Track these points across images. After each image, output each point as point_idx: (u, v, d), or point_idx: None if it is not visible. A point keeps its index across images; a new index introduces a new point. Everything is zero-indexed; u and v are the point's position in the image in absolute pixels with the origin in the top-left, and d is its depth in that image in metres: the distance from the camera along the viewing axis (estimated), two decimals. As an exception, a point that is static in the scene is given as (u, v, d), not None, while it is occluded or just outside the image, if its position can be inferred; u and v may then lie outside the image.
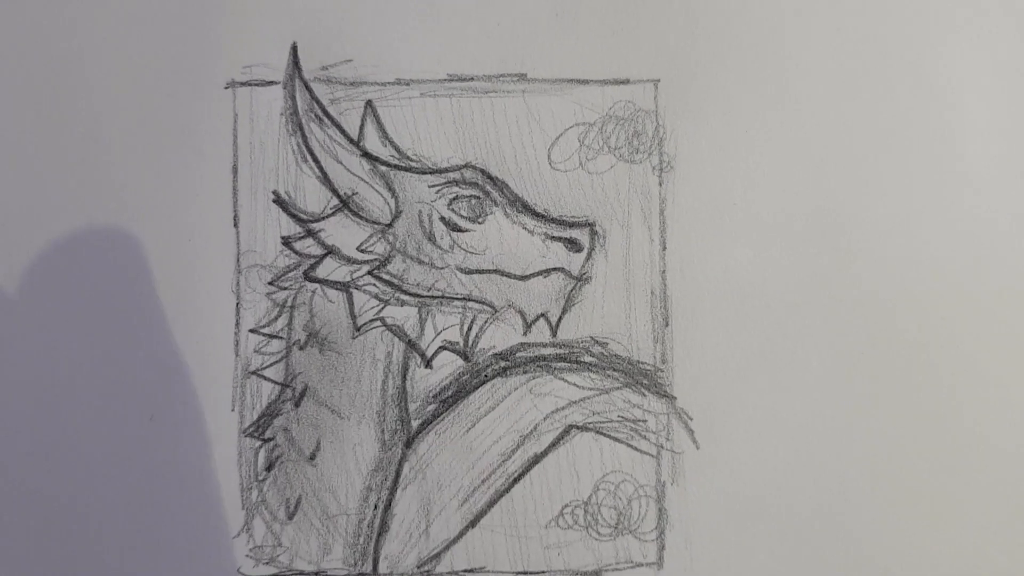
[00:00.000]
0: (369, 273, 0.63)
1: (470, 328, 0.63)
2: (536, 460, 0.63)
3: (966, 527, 0.62)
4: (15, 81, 0.63)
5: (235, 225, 0.63)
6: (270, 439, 0.63)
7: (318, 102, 0.63)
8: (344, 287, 0.63)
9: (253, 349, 0.63)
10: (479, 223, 0.64)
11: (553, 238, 0.63)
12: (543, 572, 0.63)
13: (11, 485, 0.62)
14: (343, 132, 0.63)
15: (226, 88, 0.63)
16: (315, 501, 0.63)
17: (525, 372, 0.63)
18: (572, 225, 0.64)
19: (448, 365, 0.63)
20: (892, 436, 0.63)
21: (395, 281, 0.63)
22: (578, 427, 0.63)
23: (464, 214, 0.64)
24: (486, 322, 0.63)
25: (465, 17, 0.64)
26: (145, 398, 0.62)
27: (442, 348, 0.63)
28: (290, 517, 0.63)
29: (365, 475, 0.63)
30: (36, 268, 0.63)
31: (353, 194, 0.63)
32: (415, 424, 0.63)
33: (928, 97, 0.63)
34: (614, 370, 0.63)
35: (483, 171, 0.64)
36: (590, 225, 0.64)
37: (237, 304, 0.63)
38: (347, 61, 0.64)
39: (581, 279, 0.64)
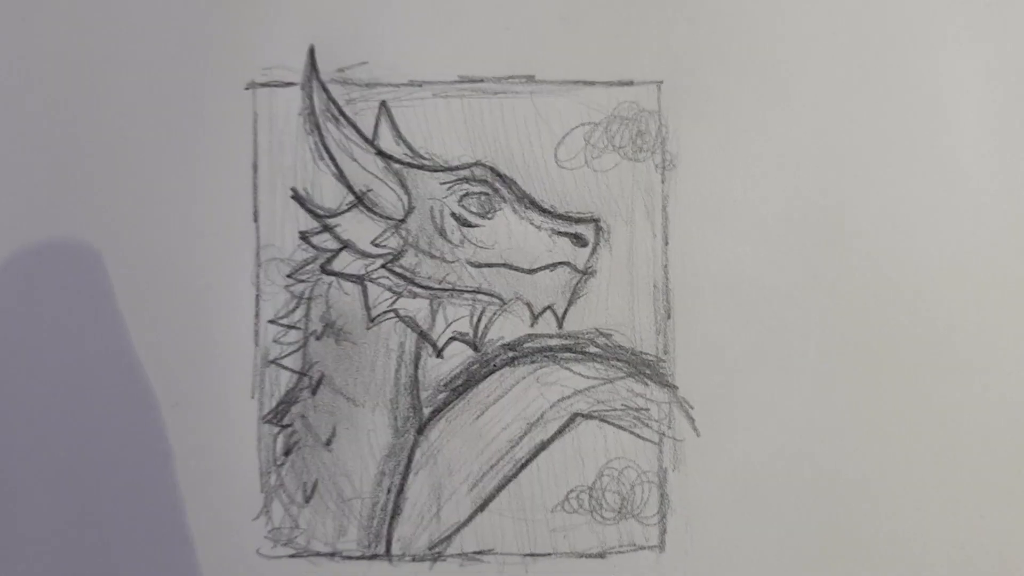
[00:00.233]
0: (383, 267, 0.64)
1: (479, 319, 0.64)
2: (543, 447, 0.64)
3: (955, 509, 0.63)
4: (47, 81, 0.64)
5: (255, 220, 0.64)
6: (288, 425, 0.64)
7: (334, 102, 0.64)
8: (359, 280, 0.64)
9: (272, 339, 0.64)
10: (488, 219, 0.64)
11: (559, 233, 0.64)
12: (549, 554, 0.64)
13: (42, 466, 0.63)
14: (358, 131, 0.64)
15: (246, 89, 0.64)
16: (331, 485, 0.64)
17: (532, 362, 0.64)
18: (578, 221, 0.64)
19: (458, 355, 0.64)
20: (885, 424, 0.63)
21: (408, 274, 0.64)
22: (583, 415, 0.64)
23: (474, 210, 0.64)
24: (495, 314, 0.64)
25: (475, 21, 0.64)
26: (169, 386, 0.63)
27: (452, 339, 0.64)
28: (307, 500, 0.64)
29: (379, 460, 0.64)
30: (67, 260, 0.64)
31: (368, 191, 0.64)
32: (427, 411, 0.64)
33: (920, 99, 0.64)
34: (618, 360, 0.64)
35: (492, 169, 0.64)
36: (595, 221, 0.64)
37: (257, 296, 0.64)
38: (362, 63, 0.64)
39: (586, 273, 0.64)
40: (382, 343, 0.64)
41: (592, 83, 0.64)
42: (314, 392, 0.64)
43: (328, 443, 0.64)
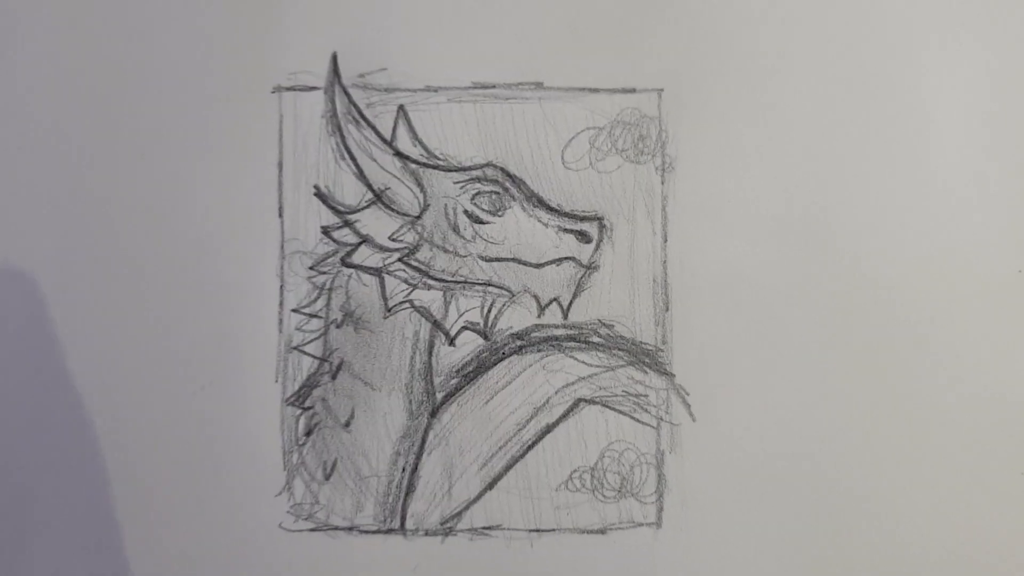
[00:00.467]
0: (399, 260, 0.64)
1: (489, 310, 0.65)
2: (548, 430, 0.64)
3: (935, 487, 0.63)
4: (94, 86, 0.65)
5: (280, 215, 0.65)
6: (309, 408, 0.64)
7: (355, 106, 0.65)
8: (377, 272, 0.64)
9: (295, 327, 0.64)
10: (499, 216, 0.65)
11: (565, 230, 0.64)
12: (553, 530, 0.64)
13: (82, 444, 0.64)
14: (377, 133, 0.65)
15: (273, 93, 0.65)
16: (349, 464, 0.64)
17: (539, 350, 0.64)
18: (582, 219, 0.65)
19: (470, 343, 0.64)
20: (867, 410, 0.64)
21: (423, 267, 0.64)
22: (586, 400, 0.64)
23: (485, 208, 0.65)
24: (504, 305, 0.65)
25: (488, 31, 0.65)
26: (198, 369, 0.64)
27: (464, 328, 0.64)
28: (327, 478, 0.64)
29: (394, 441, 0.64)
30: (107, 252, 0.64)
31: (386, 189, 0.65)
32: (439, 396, 0.64)
33: (903, 109, 0.64)
34: (619, 350, 0.64)
35: (503, 169, 0.65)
36: (599, 219, 0.65)
37: (281, 286, 0.64)
38: (382, 70, 0.65)
39: (590, 267, 0.64)
40: (398, 331, 0.64)
41: (597, 90, 0.65)
42: (334, 377, 0.64)
43: (347, 424, 0.64)
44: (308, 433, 0.64)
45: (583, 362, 0.64)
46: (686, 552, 0.64)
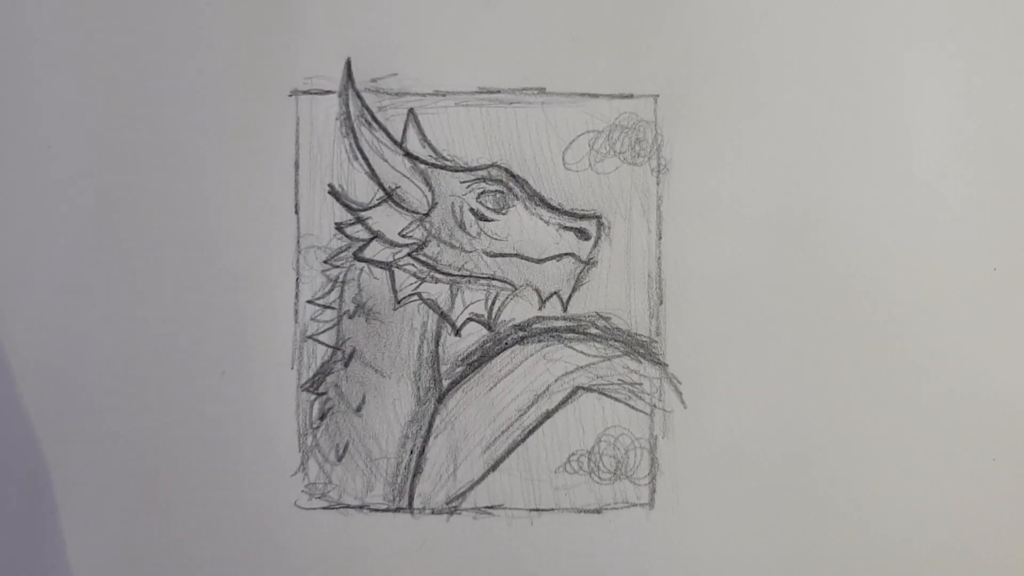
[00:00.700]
0: (409, 255, 0.65)
1: (493, 303, 0.65)
2: (548, 415, 0.65)
3: (914, 470, 0.64)
4: (121, 89, 0.66)
5: (296, 212, 0.65)
6: (323, 393, 0.65)
7: (368, 109, 0.65)
8: (387, 266, 0.65)
9: (310, 317, 0.65)
10: (503, 214, 0.65)
11: (565, 228, 0.65)
12: (552, 509, 0.65)
13: (105, 428, 0.65)
14: (388, 135, 0.65)
15: (290, 96, 0.65)
16: (360, 446, 0.65)
17: (540, 341, 0.65)
18: (582, 217, 0.65)
19: (474, 334, 0.65)
20: (849, 398, 0.65)
21: (430, 262, 0.65)
22: (584, 388, 0.65)
23: (490, 206, 0.65)
24: (507, 298, 0.65)
25: (494, 39, 0.65)
26: (218, 357, 0.65)
27: (469, 319, 0.65)
28: (339, 459, 0.65)
29: (403, 425, 0.65)
30: (132, 247, 0.65)
31: (396, 187, 0.65)
32: (445, 383, 0.65)
33: (887, 114, 0.65)
34: (615, 341, 0.65)
35: (507, 170, 0.65)
36: (597, 217, 0.65)
37: (297, 279, 0.65)
38: (393, 75, 0.65)
39: (589, 263, 0.65)
40: (407, 322, 0.65)
41: (596, 96, 0.65)
42: (346, 364, 0.65)
43: (358, 409, 0.65)
44: (322, 417, 0.65)
45: (581, 352, 0.65)
46: (677, 530, 0.65)
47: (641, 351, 0.66)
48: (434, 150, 0.66)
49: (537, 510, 0.65)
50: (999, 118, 0.65)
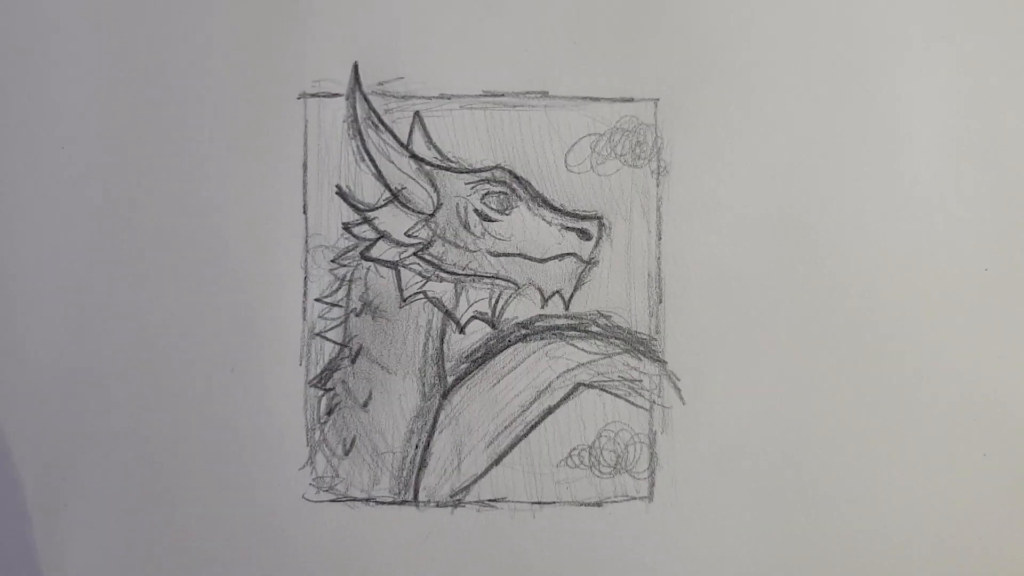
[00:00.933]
0: (414, 254, 0.65)
1: (497, 301, 0.65)
2: (550, 411, 0.65)
3: (908, 466, 0.65)
4: (133, 91, 0.66)
5: (304, 212, 0.65)
6: (331, 389, 0.65)
7: (375, 112, 0.65)
8: (393, 265, 0.65)
9: (318, 315, 0.65)
10: (506, 215, 0.65)
11: (567, 228, 0.65)
12: (554, 503, 0.65)
13: (112, 424, 0.65)
14: (395, 137, 0.66)
15: (298, 99, 0.65)
16: (367, 441, 0.65)
17: (542, 339, 0.65)
18: (583, 218, 0.65)
19: (478, 331, 0.66)
20: (843, 395, 0.65)
21: (436, 261, 0.65)
22: (585, 385, 0.65)
23: (494, 207, 0.65)
24: (510, 297, 0.65)
25: (498, 44, 0.66)
26: (228, 353, 0.65)
27: (473, 317, 0.65)
28: (346, 453, 0.65)
29: (408, 420, 0.65)
30: (144, 247, 0.66)
31: (402, 188, 0.65)
32: (450, 379, 0.65)
33: (881, 117, 0.66)
34: (616, 338, 0.65)
35: (510, 172, 0.66)
36: (598, 218, 0.65)
37: (305, 277, 0.65)
38: (399, 78, 0.66)
39: (590, 263, 0.65)
40: (412, 320, 0.65)
41: (598, 99, 0.66)
42: (353, 361, 0.65)
43: (365, 405, 0.65)
44: (329, 412, 0.65)
45: (583, 349, 0.65)
46: (675, 523, 0.65)
47: (641, 349, 0.66)
48: (439, 152, 0.66)
49: (539, 503, 0.66)
50: (994, 120, 0.66)
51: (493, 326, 0.66)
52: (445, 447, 0.66)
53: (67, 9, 0.66)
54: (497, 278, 0.66)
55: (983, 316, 0.66)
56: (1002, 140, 0.65)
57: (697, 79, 0.66)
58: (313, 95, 0.66)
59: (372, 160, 0.66)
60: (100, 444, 0.66)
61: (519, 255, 0.66)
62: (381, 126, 0.66)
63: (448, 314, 0.66)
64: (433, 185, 0.66)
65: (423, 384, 0.66)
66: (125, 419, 0.66)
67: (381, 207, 0.66)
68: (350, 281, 0.66)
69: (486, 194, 0.66)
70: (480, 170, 0.66)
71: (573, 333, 0.66)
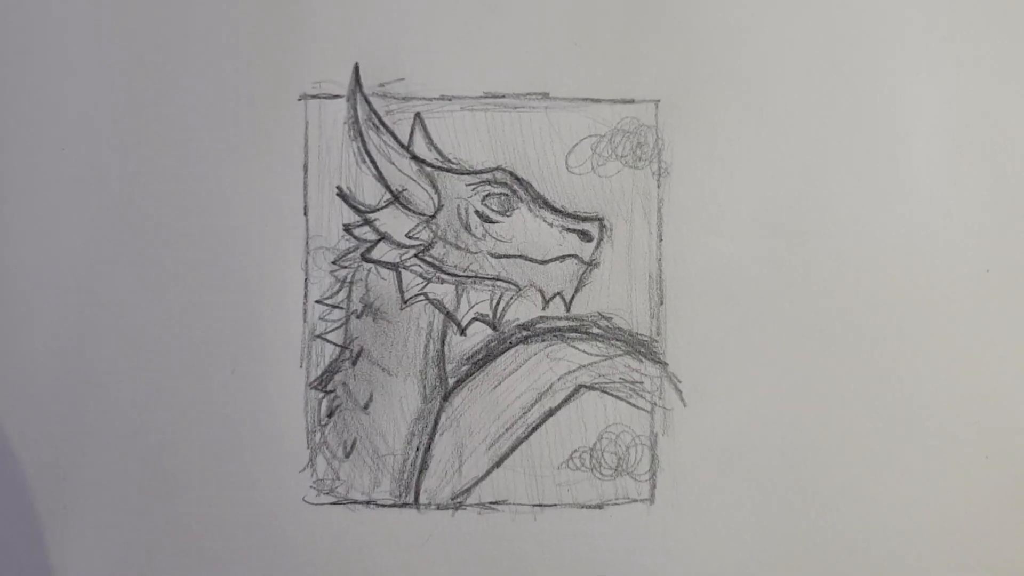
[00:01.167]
0: (415, 256, 0.65)
1: (498, 303, 0.66)
2: (551, 413, 0.65)
3: (908, 466, 0.65)
4: (138, 93, 0.67)
5: (305, 214, 0.66)
6: (331, 391, 0.65)
7: (375, 113, 0.66)
8: (394, 267, 0.66)
9: (318, 317, 0.65)
10: (507, 216, 0.66)
11: (568, 230, 0.66)
12: (555, 505, 0.65)
13: (113, 425, 0.66)
14: (396, 138, 0.66)
15: (299, 100, 0.66)
16: (368, 443, 0.66)
17: (543, 340, 0.65)
18: (584, 219, 0.66)
19: (479, 333, 0.66)
20: (844, 396, 0.65)
21: (436, 263, 0.65)
22: (586, 386, 0.65)
23: (495, 208, 0.66)
24: (511, 298, 0.66)
25: (499, 45, 0.66)
26: (229, 355, 0.65)
27: (474, 319, 0.66)
28: (347, 456, 0.65)
29: (409, 422, 0.65)
30: (145, 248, 0.66)
31: (403, 190, 0.66)
32: (451, 381, 0.65)
33: (879, 120, 0.66)
34: (617, 340, 0.66)
35: (511, 173, 0.66)
36: (599, 220, 0.66)
37: (306, 279, 0.66)
38: (400, 80, 0.66)
39: (591, 264, 0.66)
40: (413, 322, 0.66)
41: (599, 100, 0.66)
42: (354, 363, 0.66)
43: (366, 407, 0.65)
44: (330, 415, 0.66)
45: (584, 351, 0.66)
46: (676, 525, 0.65)
47: (642, 350, 0.66)
48: (440, 153, 0.67)
49: (540, 505, 0.66)
50: (994, 121, 0.66)
51: (494, 328, 0.66)
52: (446, 449, 0.66)
53: (68, 11, 0.67)
54: (498, 280, 0.66)
55: (985, 318, 0.66)
56: (1002, 141, 0.66)
57: (698, 80, 0.66)
58: (314, 96, 0.66)
59: (373, 161, 0.66)
60: (101, 445, 0.66)
61: (520, 257, 0.66)
62: (382, 127, 0.66)
63: (449, 316, 0.66)
64: (434, 186, 0.66)
65: (424, 386, 0.66)
66: (126, 420, 0.66)
67: (382, 208, 0.66)
68: (351, 283, 0.66)
69: (487, 195, 0.66)
70: (481, 171, 0.66)
71: (574, 335, 0.66)
